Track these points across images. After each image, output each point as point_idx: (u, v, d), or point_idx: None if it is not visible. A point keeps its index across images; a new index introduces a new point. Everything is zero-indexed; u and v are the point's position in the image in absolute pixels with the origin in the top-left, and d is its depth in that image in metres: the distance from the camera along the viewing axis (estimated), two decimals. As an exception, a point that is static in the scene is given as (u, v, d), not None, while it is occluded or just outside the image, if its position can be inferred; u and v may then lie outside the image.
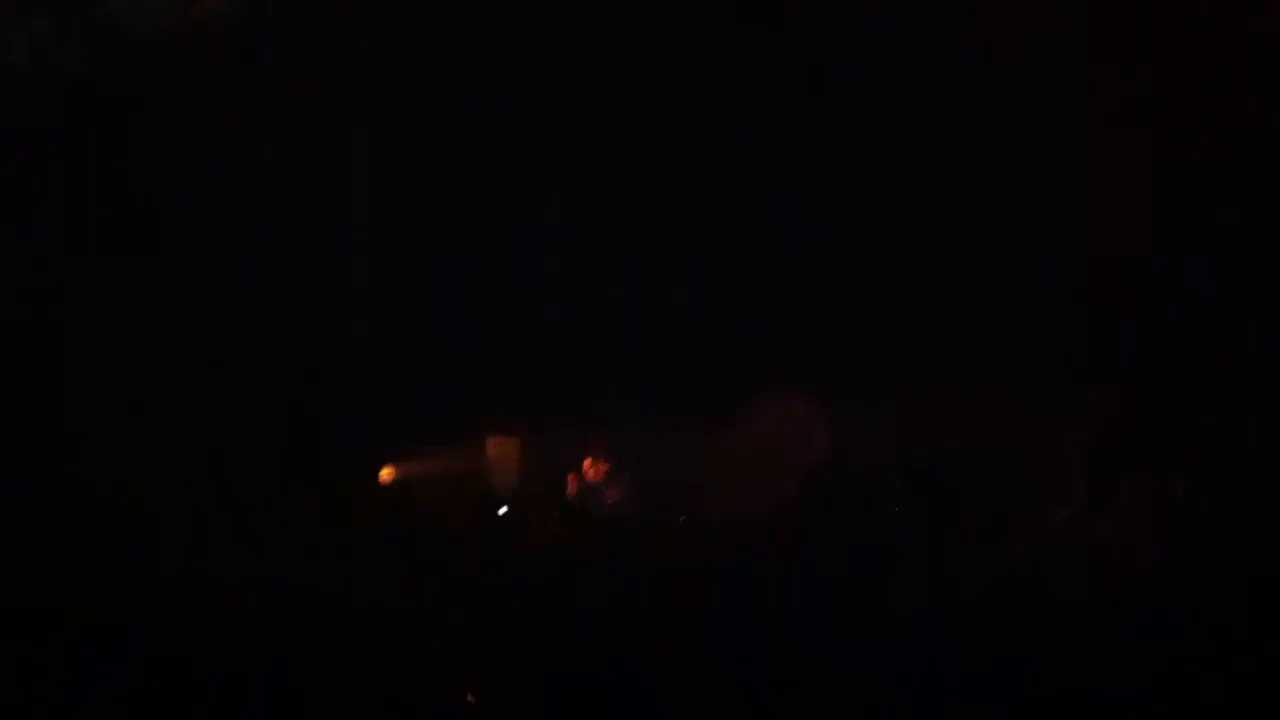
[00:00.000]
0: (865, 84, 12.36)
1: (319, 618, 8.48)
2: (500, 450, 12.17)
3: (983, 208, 12.17)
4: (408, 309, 12.55)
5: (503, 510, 11.32)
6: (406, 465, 11.82)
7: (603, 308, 12.69)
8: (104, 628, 8.25)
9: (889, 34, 12.28)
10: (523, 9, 12.52)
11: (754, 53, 12.56)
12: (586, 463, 11.86)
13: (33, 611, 8.31)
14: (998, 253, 12.02)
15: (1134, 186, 11.59)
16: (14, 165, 10.95)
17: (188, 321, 11.15)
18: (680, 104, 12.60)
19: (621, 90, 12.62)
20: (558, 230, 12.82)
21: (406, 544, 9.58)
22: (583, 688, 7.84)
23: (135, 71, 11.42)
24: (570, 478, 11.80)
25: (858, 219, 12.39)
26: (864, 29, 12.33)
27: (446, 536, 10.00)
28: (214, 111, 11.71)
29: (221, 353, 11.27)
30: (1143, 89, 11.77)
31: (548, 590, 8.96)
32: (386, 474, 11.77)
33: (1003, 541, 9.62)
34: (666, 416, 11.97)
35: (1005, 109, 12.11)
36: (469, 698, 8.02)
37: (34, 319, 10.68)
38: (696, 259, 12.65)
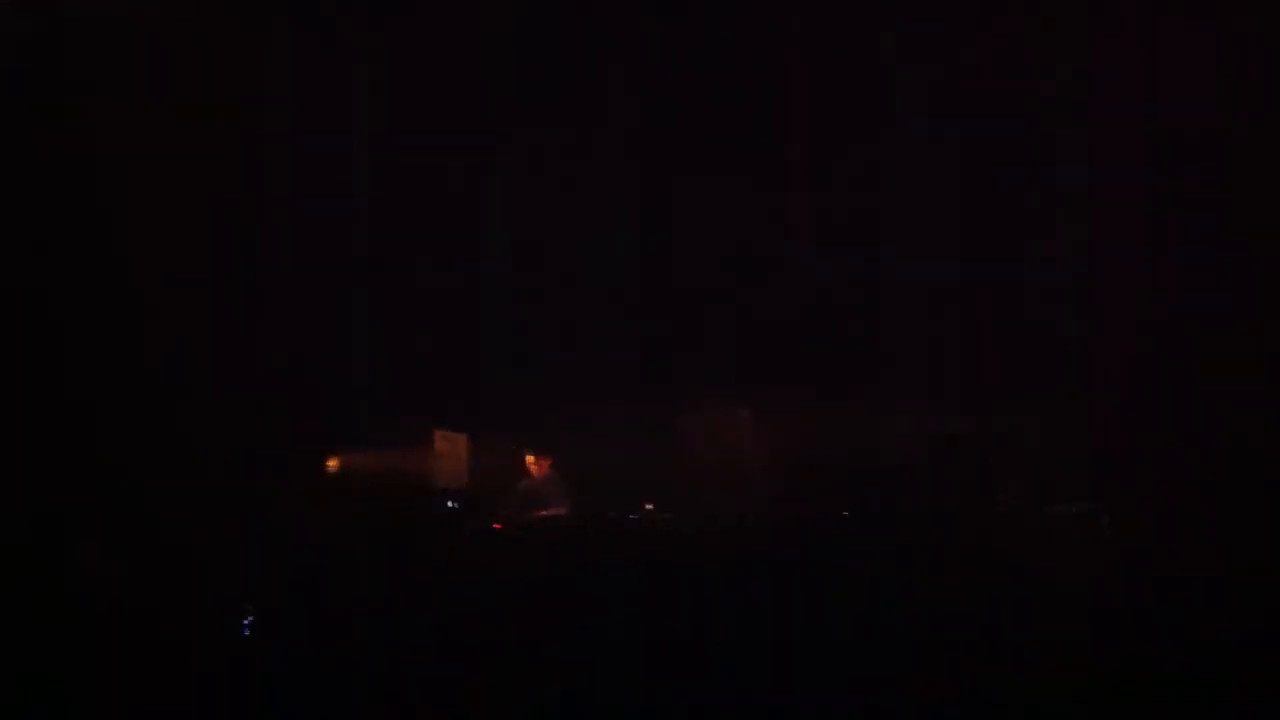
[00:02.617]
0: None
1: (316, 616, 8.55)
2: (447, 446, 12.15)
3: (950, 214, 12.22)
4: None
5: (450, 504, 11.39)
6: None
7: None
8: (100, 626, 8.31)
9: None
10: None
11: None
12: (529, 459, 12.03)
13: (31, 610, 8.36)
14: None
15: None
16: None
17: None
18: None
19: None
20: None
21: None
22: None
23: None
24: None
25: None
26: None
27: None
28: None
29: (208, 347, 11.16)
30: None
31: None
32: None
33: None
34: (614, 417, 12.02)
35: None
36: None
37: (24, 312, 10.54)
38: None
